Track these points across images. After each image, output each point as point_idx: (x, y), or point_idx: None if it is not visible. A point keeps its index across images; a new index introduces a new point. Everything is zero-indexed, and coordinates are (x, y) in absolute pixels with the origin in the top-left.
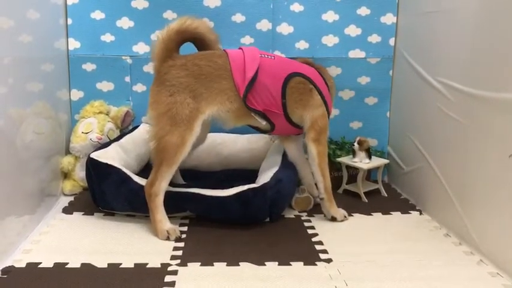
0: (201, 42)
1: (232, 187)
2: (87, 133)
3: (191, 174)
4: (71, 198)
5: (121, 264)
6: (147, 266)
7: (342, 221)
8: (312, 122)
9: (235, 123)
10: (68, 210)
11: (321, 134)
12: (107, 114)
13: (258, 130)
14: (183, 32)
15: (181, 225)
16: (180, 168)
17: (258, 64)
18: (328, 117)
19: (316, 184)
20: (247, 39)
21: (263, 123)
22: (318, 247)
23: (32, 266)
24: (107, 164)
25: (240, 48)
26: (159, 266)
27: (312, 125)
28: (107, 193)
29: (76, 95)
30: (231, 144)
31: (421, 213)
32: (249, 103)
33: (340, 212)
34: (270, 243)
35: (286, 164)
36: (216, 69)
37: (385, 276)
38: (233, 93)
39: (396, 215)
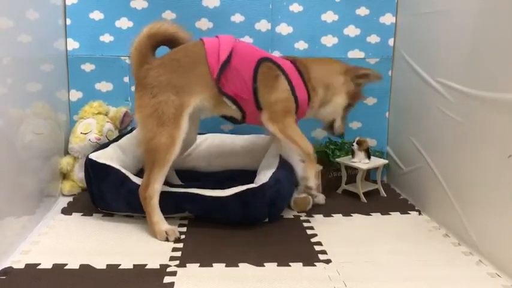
0: (175, 44)
1: (231, 187)
2: (86, 134)
3: (190, 175)
4: (70, 199)
5: (120, 265)
6: (146, 267)
7: (315, 196)
8: (270, 104)
9: (213, 111)
10: (67, 211)
11: (277, 113)
12: (106, 115)
13: (231, 121)
14: (154, 36)
15: (180, 226)
16: (179, 168)
17: (231, 47)
18: (298, 113)
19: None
20: (246, 40)
21: (233, 107)
22: (317, 248)
23: (31, 267)
24: (105, 164)
25: (216, 37)
26: (158, 267)
27: (269, 107)
28: (106, 194)
29: (75, 95)
30: (230, 145)
31: (420, 214)
32: (222, 86)
33: (316, 186)
34: (269, 244)
35: (284, 165)
36: (193, 57)
37: (384, 276)
38: (210, 77)
39: (395, 215)
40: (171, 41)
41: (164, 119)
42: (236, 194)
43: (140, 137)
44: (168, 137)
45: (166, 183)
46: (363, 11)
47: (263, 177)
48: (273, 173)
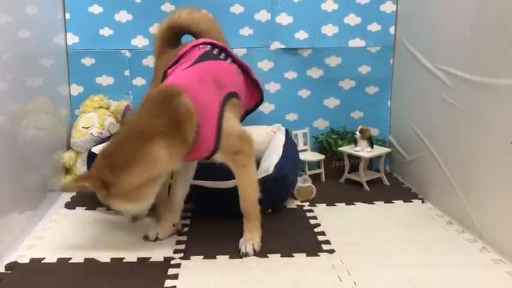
0: (196, 35)
1: (234, 178)
2: (87, 128)
3: None
4: (73, 194)
5: (124, 258)
6: (150, 260)
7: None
8: None
9: None
10: (70, 205)
11: None
12: (107, 109)
13: None
14: (172, 27)
15: (183, 218)
16: None
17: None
18: None
19: None
20: (246, 31)
21: None
22: (320, 238)
23: (36, 262)
24: None
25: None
26: (162, 259)
27: None
28: None
29: (76, 89)
30: None
31: (423, 202)
32: None
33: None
34: (273, 234)
35: (288, 154)
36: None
37: (388, 264)
38: None
39: (398, 203)
40: (194, 33)
41: None
42: None
43: None
44: None
45: None
46: (363, 0)
47: (267, 167)
48: (276, 163)
